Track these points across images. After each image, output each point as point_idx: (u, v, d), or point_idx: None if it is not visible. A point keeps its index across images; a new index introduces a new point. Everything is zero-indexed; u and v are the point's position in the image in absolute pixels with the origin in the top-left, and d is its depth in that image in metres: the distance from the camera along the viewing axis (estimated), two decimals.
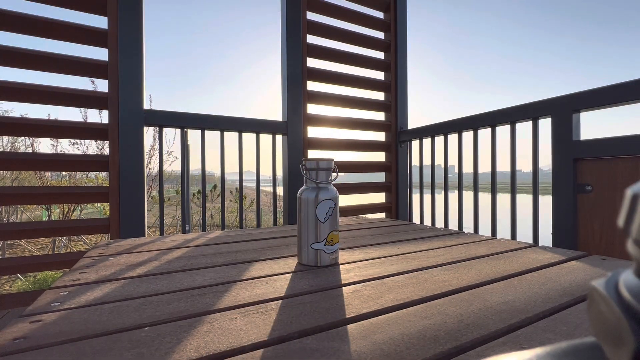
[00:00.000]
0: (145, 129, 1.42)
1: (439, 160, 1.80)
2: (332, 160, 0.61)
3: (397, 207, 2.05)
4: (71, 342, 0.33)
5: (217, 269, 0.58)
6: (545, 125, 1.41)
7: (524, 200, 1.52)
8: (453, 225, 1.57)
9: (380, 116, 2.11)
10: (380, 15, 2.08)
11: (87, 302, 0.43)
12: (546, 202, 1.31)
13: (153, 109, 1.45)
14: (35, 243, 4.36)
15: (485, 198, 1.49)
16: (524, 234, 1.25)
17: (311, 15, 1.82)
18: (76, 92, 1.31)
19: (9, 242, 4.15)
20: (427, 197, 1.86)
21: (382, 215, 2.08)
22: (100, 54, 1.40)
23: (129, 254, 0.70)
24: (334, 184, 0.62)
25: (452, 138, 1.72)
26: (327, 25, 1.87)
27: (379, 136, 2.13)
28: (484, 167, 1.61)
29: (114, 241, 0.84)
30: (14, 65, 1.25)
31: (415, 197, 1.98)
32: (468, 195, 1.64)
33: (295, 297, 0.45)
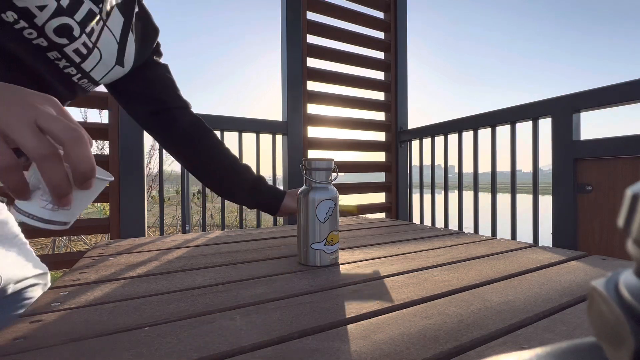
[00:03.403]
0: None
1: (439, 160, 1.80)
2: (332, 160, 0.61)
3: (397, 207, 2.05)
4: (71, 342, 0.33)
5: (217, 269, 0.58)
6: (545, 125, 1.42)
7: (524, 201, 1.52)
8: (453, 225, 1.57)
9: (380, 116, 2.11)
10: (380, 15, 2.08)
11: (87, 302, 0.43)
12: (546, 202, 1.31)
13: None
14: (35, 243, 4.36)
15: (485, 198, 1.49)
16: (524, 234, 1.25)
17: (311, 15, 1.82)
18: None
19: None
20: (427, 197, 1.86)
21: (382, 215, 2.08)
22: None
23: (129, 254, 0.70)
24: (334, 184, 0.62)
25: (452, 138, 1.72)
26: (327, 25, 1.87)
27: (379, 136, 2.13)
28: (484, 167, 1.61)
29: (114, 241, 0.84)
30: None
31: (415, 197, 1.99)
32: (468, 195, 1.64)
33: (295, 297, 0.45)
